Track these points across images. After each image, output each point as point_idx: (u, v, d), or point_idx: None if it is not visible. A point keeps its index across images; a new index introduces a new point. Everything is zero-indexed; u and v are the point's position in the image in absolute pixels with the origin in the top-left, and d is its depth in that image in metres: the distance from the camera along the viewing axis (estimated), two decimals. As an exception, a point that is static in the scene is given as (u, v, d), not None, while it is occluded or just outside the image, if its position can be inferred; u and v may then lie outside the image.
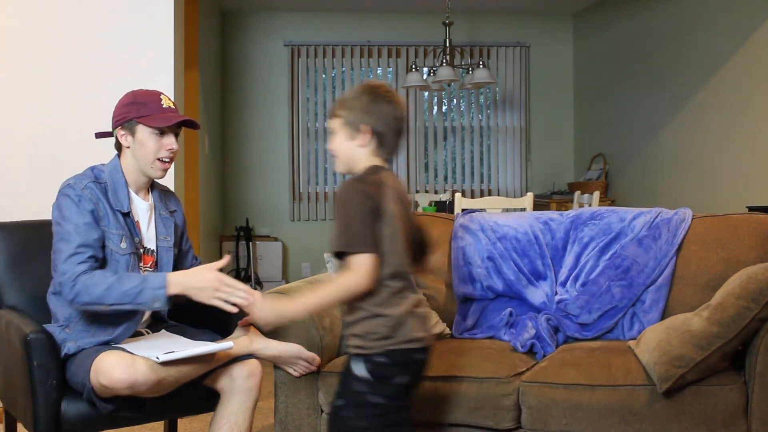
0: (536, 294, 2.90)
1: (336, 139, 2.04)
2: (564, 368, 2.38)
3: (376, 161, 2.02)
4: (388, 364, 1.92)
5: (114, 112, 2.35)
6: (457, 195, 4.51)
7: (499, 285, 2.93)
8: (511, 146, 7.60)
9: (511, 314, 2.84)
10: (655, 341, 2.31)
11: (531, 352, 2.60)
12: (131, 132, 2.31)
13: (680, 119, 5.86)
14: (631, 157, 6.60)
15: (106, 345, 2.24)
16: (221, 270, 2.21)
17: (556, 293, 2.89)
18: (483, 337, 2.83)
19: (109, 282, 2.12)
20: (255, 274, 6.94)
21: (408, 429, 1.97)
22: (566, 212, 3.06)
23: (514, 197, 6.22)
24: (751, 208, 4.38)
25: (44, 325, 2.27)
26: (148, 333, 2.42)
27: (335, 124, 2.04)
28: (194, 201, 5.45)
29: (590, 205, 4.96)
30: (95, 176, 2.30)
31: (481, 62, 5.94)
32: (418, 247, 2.13)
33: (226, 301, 2.13)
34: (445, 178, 7.63)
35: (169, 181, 3.54)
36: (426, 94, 7.45)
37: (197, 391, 2.29)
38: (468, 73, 6.20)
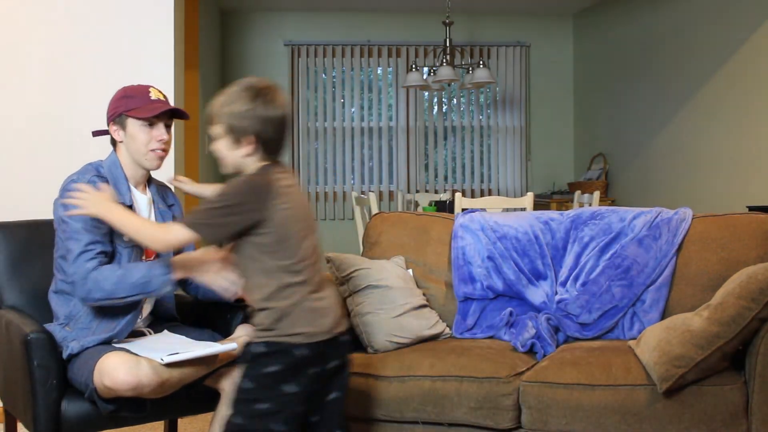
0: (536, 294, 2.90)
1: (220, 146, 2.02)
2: (564, 368, 2.38)
3: (265, 162, 2.01)
4: (262, 354, 1.95)
5: (107, 109, 2.37)
6: (457, 195, 4.51)
7: (499, 285, 2.93)
8: (511, 146, 7.60)
9: (511, 314, 2.84)
10: (655, 341, 2.31)
11: (531, 351, 2.60)
12: (122, 126, 2.32)
13: (680, 119, 5.86)
14: (631, 157, 6.60)
15: (108, 344, 2.24)
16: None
17: (557, 293, 2.89)
18: (483, 337, 2.83)
19: (117, 275, 2.15)
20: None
21: (281, 424, 1.95)
22: (566, 212, 3.06)
23: (514, 197, 6.21)
24: (751, 208, 4.38)
25: (45, 325, 2.28)
26: (150, 333, 2.42)
27: (216, 130, 2.01)
28: (194, 201, 5.45)
29: (590, 205, 4.96)
30: (96, 171, 2.31)
31: (481, 62, 5.94)
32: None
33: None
34: (445, 178, 7.64)
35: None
36: (426, 93, 7.46)
37: (198, 392, 2.29)
38: (468, 72, 6.21)
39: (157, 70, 3.70)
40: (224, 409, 2.18)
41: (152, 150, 2.33)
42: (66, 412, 2.20)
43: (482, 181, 7.59)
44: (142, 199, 2.40)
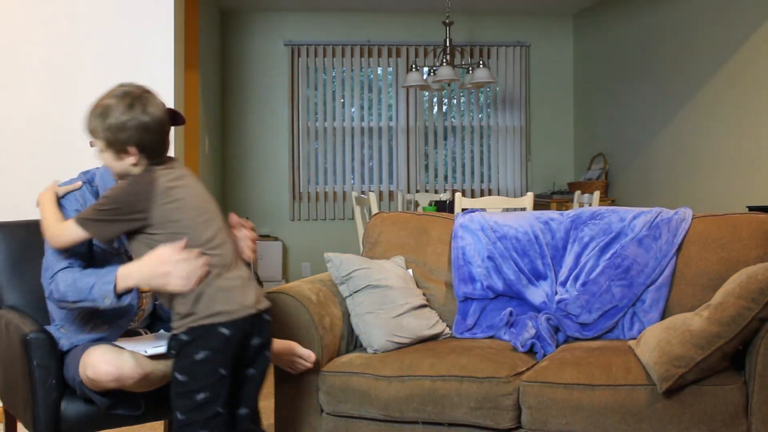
0: (536, 294, 2.90)
1: (105, 157, 2.06)
2: (564, 368, 2.38)
3: (149, 165, 2.06)
4: (187, 342, 1.96)
5: None
6: (457, 195, 4.51)
7: (499, 285, 2.93)
8: (511, 146, 7.60)
9: (511, 314, 2.84)
10: (655, 341, 2.31)
11: (531, 351, 2.60)
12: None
13: (680, 119, 5.86)
14: (631, 157, 6.60)
15: (99, 341, 2.25)
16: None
17: (557, 293, 2.89)
18: (483, 336, 2.83)
19: (73, 277, 2.09)
20: (255, 274, 6.93)
21: (218, 413, 1.96)
22: (566, 212, 3.06)
23: (514, 197, 6.22)
24: (751, 208, 4.38)
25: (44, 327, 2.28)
26: (147, 333, 2.42)
27: (98, 143, 2.05)
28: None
29: (590, 205, 4.96)
30: (87, 179, 2.30)
31: (481, 62, 5.94)
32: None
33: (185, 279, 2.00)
34: (445, 178, 7.64)
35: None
36: (426, 93, 7.46)
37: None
38: (468, 72, 6.21)
39: (157, 70, 3.70)
40: None
41: None
42: (66, 412, 2.20)
43: (482, 181, 7.59)
44: None
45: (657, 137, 6.18)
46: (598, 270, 2.84)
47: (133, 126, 1.99)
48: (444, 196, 6.42)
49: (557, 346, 2.64)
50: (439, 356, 2.51)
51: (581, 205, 5.27)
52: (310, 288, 2.72)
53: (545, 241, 2.98)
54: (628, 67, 6.67)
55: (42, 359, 2.17)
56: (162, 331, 2.43)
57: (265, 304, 2.07)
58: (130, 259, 2.29)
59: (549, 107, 7.70)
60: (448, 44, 5.90)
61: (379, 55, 7.47)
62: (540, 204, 6.72)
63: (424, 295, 2.93)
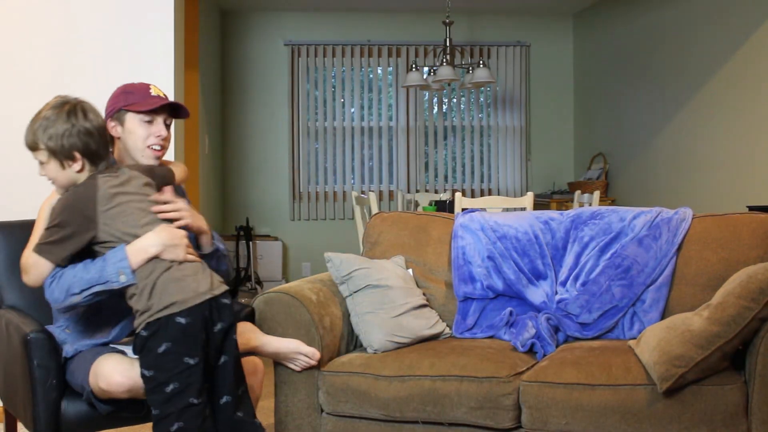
0: (536, 293, 2.90)
1: (49, 169, 2.11)
2: (564, 368, 2.38)
3: (93, 171, 2.12)
4: (147, 337, 1.98)
5: (106, 105, 2.36)
6: (457, 194, 4.51)
7: (499, 284, 2.93)
8: (511, 146, 7.60)
9: (511, 314, 2.84)
10: (655, 341, 2.31)
11: (531, 351, 2.61)
12: (120, 122, 2.31)
13: (680, 119, 5.86)
14: (631, 156, 6.60)
15: (104, 346, 2.24)
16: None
17: (557, 293, 2.89)
18: (483, 336, 2.83)
19: (76, 269, 2.08)
20: (255, 274, 6.94)
21: (192, 404, 1.98)
22: (566, 212, 3.06)
23: (514, 197, 6.22)
24: (751, 208, 4.38)
25: (45, 326, 2.28)
26: None
27: (41, 156, 2.10)
28: (194, 201, 5.45)
29: (590, 205, 4.96)
30: None
31: (481, 62, 5.94)
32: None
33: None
34: (445, 178, 7.63)
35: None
36: (426, 93, 7.46)
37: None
38: (468, 72, 6.21)
39: (157, 70, 3.70)
40: None
41: (149, 146, 2.31)
42: (66, 412, 2.21)
43: (482, 181, 7.59)
44: None
45: (657, 137, 6.18)
46: (598, 270, 2.84)
47: (77, 132, 2.06)
48: (444, 196, 6.42)
49: (557, 346, 2.64)
50: (439, 356, 2.51)
51: (581, 205, 5.27)
52: (310, 288, 2.72)
53: (545, 240, 2.98)
54: (628, 67, 6.67)
55: (42, 359, 2.16)
56: None
57: (221, 288, 2.09)
58: None
59: (549, 107, 7.70)
60: (448, 44, 5.90)
61: (379, 55, 7.47)
62: (540, 204, 6.72)
63: (424, 295, 2.93)
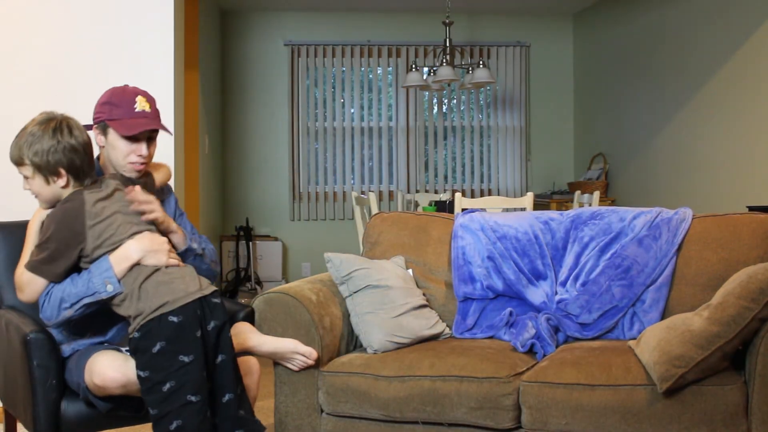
0: (536, 294, 2.90)
1: (33, 184, 2.16)
2: (564, 368, 2.37)
3: (78, 187, 2.16)
4: (140, 339, 2.01)
5: (94, 109, 2.35)
6: (457, 195, 4.51)
7: (499, 285, 2.93)
8: (511, 146, 7.60)
9: (511, 314, 2.84)
10: (655, 341, 2.31)
11: (531, 351, 2.61)
12: (103, 132, 2.31)
13: (680, 119, 5.86)
14: (631, 157, 6.60)
15: (100, 344, 2.25)
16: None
17: (556, 293, 2.89)
18: (483, 337, 2.83)
19: (64, 284, 2.12)
20: (255, 274, 6.94)
21: (190, 401, 1.99)
22: (566, 212, 3.06)
23: (514, 197, 6.22)
24: (751, 208, 4.38)
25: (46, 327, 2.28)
26: None
27: (27, 171, 2.15)
28: (194, 201, 5.45)
29: (590, 205, 4.96)
30: None
31: (481, 62, 5.93)
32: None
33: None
34: (445, 178, 7.63)
35: (170, 182, 3.53)
36: (426, 93, 7.46)
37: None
38: (468, 72, 6.21)
39: (157, 70, 3.70)
40: None
41: (131, 162, 2.31)
42: (65, 412, 2.21)
43: (482, 181, 7.59)
44: None
45: (657, 137, 6.18)
46: (598, 270, 2.84)
47: (62, 149, 2.10)
48: (444, 196, 6.42)
49: (557, 346, 2.64)
50: (439, 356, 2.51)
51: (581, 205, 5.27)
52: (310, 288, 2.72)
53: (545, 241, 2.98)
54: (628, 67, 6.67)
55: (42, 359, 2.16)
56: None
57: (210, 289, 2.13)
58: None
59: (549, 107, 7.70)
60: (448, 44, 5.90)
61: (379, 55, 7.47)
62: (540, 204, 6.72)
63: (424, 295, 2.93)
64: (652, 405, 2.24)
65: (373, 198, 4.93)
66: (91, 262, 2.10)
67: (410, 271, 3.00)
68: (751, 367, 2.24)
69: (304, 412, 2.58)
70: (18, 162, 2.16)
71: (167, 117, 3.66)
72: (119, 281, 2.07)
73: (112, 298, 2.08)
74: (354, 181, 7.41)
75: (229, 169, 7.28)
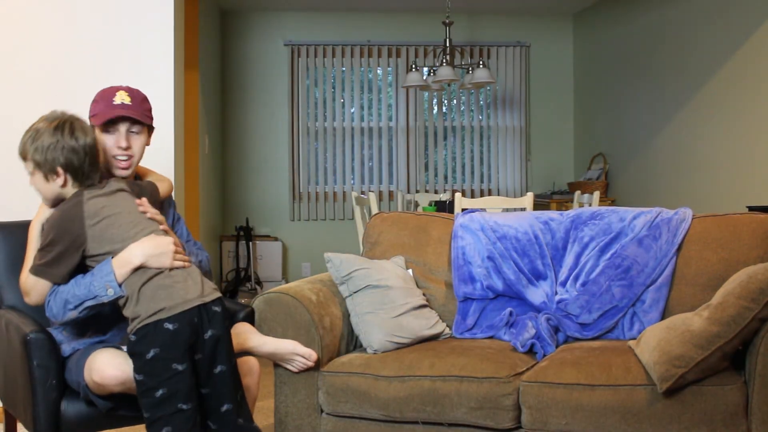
0: (536, 294, 2.90)
1: (34, 180, 2.17)
2: (564, 368, 2.37)
3: (79, 188, 2.15)
4: (137, 343, 2.00)
5: None
6: (457, 195, 4.51)
7: (499, 285, 2.93)
8: (511, 146, 7.60)
9: (511, 314, 2.84)
10: (655, 341, 2.31)
11: (531, 351, 2.60)
12: (94, 132, 2.32)
13: (680, 119, 5.86)
14: (631, 157, 6.60)
15: (100, 344, 2.25)
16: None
17: (556, 293, 2.89)
18: (483, 337, 2.83)
19: (69, 286, 2.12)
20: (255, 274, 6.94)
21: (180, 409, 1.99)
22: (566, 212, 3.06)
23: (514, 197, 6.22)
24: (751, 208, 4.38)
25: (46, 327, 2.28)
26: None
27: (29, 166, 2.16)
28: (194, 201, 5.45)
29: (590, 205, 4.96)
30: None
31: (481, 62, 5.93)
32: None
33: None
34: (445, 178, 7.63)
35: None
36: (426, 94, 7.46)
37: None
38: (468, 72, 6.20)
39: (157, 70, 3.70)
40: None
41: (114, 157, 2.31)
42: (65, 412, 2.21)
43: (482, 181, 7.59)
44: None
45: (657, 137, 6.18)
46: (598, 270, 2.84)
47: (60, 148, 2.10)
48: (444, 196, 6.42)
49: (557, 346, 2.64)
50: (439, 356, 2.51)
51: (581, 205, 5.27)
52: (310, 288, 2.72)
53: (545, 241, 2.98)
54: (628, 67, 6.67)
55: (42, 359, 2.16)
56: None
57: (212, 296, 2.09)
58: None
59: (549, 107, 7.70)
60: (448, 44, 5.90)
61: (379, 55, 7.47)
62: (540, 204, 6.72)
63: (424, 295, 2.93)
64: (652, 405, 2.24)
65: (373, 198, 4.93)
66: (98, 261, 2.09)
67: (410, 271, 3.00)
68: (751, 367, 2.24)
69: (304, 412, 2.58)
70: (22, 156, 2.18)
71: (167, 117, 3.67)
72: (120, 285, 2.06)
73: (119, 299, 2.08)
74: (354, 181, 7.41)
75: (229, 169, 7.28)
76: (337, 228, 7.33)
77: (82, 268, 2.13)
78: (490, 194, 7.49)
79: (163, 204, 2.49)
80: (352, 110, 7.44)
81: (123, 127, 2.32)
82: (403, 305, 2.75)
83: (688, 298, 2.72)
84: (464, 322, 2.91)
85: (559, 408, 2.31)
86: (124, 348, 2.19)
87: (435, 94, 7.53)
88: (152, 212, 2.23)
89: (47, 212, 2.23)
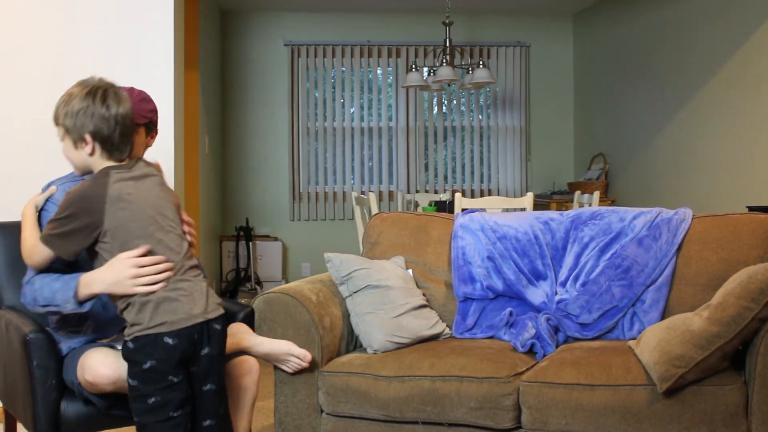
0: (536, 294, 2.90)
1: (64, 147, 2.08)
2: (564, 368, 2.37)
3: (109, 163, 2.05)
4: (134, 350, 1.96)
5: (144, 111, 2.39)
6: (457, 195, 4.51)
7: (499, 285, 2.93)
8: (511, 146, 7.60)
9: (511, 314, 2.84)
10: (655, 341, 2.31)
11: (531, 352, 2.60)
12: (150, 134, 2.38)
13: (680, 119, 5.86)
14: (631, 157, 6.60)
15: (94, 342, 2.26)
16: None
17: (556, 293, 2.89)
18: (483, 337, 2.83)
19: (42, 283, 2.09)
20: (255, 274, 6.94)
21: (171, 417, 1.97)
22: (566, 212, 3.06)
23: (514, 197, 6.22)
24: (751, 208, 4.38)
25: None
26: None
27: (60, 132, 2.07)
28: (194, 201, 5.45)
29: (590, 205, 4.96)
30: (73, 176, 2.31)
31: (481, 62, 5.93)
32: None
33: (151, 283, 1.98)
34: (445, 178, 7.63)
35: (169, 181, 3.53)
36: (426, 94, 7.45)
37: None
38: (468, 72, 6.20)
39: (157, 70, 3.70)
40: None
41: None
42: (65, 412, 2.21)
43: (482, 181, 7.59)
44: None
45: (657, 137, 6.18)
46: (598, 270, 2.84)
47: (90, 114, 2.00)
48: (444, 196, 6.42)
49: (557, 346, 2.64)
50: (439, 356, 2.51)
51: (581, 205, 5.27)
52: (310, 288, 2.72)
53: (545, 241, 2.98)
54: (628, 67, 6.67)
55: (42, 359, 2.16)
56: None
57: (215, 313, 2.03)
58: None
59: (549, 107, 7.70)
60: (448, 44, 5.90)
61: (379, 55, 7.47)
62: (540, 204, 6.72)
63: (424, 295, 2.93)
64: (652, 405, 2.24)
65: (373, 198, 4.93)
66: (107, 250, 2.00)
67: (410, 271, 3.00)
68: (751, 367, 2.24)
69: (304, 412, 2.58)
70: (55, 120, 2.08)
71: (167, 117, 3.67)
72: (79, 303, 2.04)
73: (116, 297, 2.05)
74: (354, 181, 7.41)
75: (229, 169, 7.28)
76: (337, 228, 7.33)
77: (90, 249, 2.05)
78: (490, 194, 7.49)
79: None
80: (352, 110, 7.44)
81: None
82: (403, 305, 2.75)
83: (688, 298, 2.72)
84: (464, 322, 2.91)
85: (559, 408, 2.31)
86: (118, 347, 2.19)
87: (435, 94, 7.53)
88: (189, 221, 2.17)
89: (41, 197, 2.21)
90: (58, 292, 2.05)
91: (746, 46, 5.09)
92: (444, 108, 7.68)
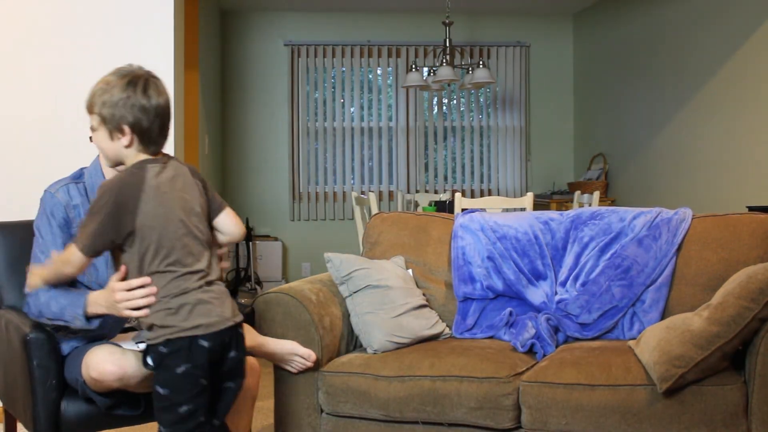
0: (536, 294, 2.90)
1: (98, 136, 1.98)
2: (564, 368, 2.37)
3: (144, 156, 1.97)
4: (166, 354, 1.89)
5: None
6: (457, 195, 4.51)
7: (499, 285, 2.93)
8: (511, 146, 7.60)
9: (511, 314, 2.84)
10: (655, 341, 2.31)
11: (531, 351, 2.60)
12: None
13: (680, 119, 5.86)
14: (631, 157, 6.60)
15: (98, 340, 2.26)
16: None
17: (556, 293, 2.89)
18: (483, 337, 2.83)
19: (49, 297, 2.10)
20: (255, 274, 6.94)
21: (201, 422, 1.92)
22: (566, 212, 3.06)
23: (514, 197, 6.22)
24: (751, 208, 4.38)
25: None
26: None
27: (94, 121, 1.97)
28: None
29: (590, 205, 4.96)
30: (74, 177, 2.30)
31: (481, 62, 5.94)
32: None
33: (134, 308, 1.94)
34: (445, 178, 7.63)
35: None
36: (426, 94, 7.46)
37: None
38: (468, 72, 6.21)
39: (157, 70, 3.64)
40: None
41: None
42: (65, 412, 2.21)
43: (482, 181, 7.59)
44: None
45: (657, 137, 6.18)
46: (597, 270, 2.84)
47: (130, 105, 1.91)
48: (444, 197, 6.42)
49: (557, 346, 2.64)
50: (439, 356, 2.51)
51: (581, 205, 5.27)
52: (310, 288, 2.72)
53: (545, 241, 2.98)
54: (628, 67, 6.67)
55: (42, 359, 2.16)
56: None
57: (240, 317, 2.02)
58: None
59: (549, 107, 7.70)
60: (447, 44, 5.90)
61: (379, 55, 7.47)
62: (540, 204, 6.72)
63: (424, 295, 2.93)
64: (652, 405, 2.24)
65: (373, 198, 4.93)
66: (129, 250, 1.92)
67: (410, 271, 3.00)
68: (751, 367, 2.24)
69: (304, 412, 2.58)
70: (89, 109, 1.98)
71: (167, 117, 3.67)
72: (88, 320, 2.03)
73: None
74: (354, 181, 7.41)
75: (229, 169, 7.28)
76: (337, 228, 7.33)
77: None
78: (490, 194, 7.49)
79: None
80: (352, 110, 7.44)
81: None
82: (403, 305, 2.75)
83: (688, 298, 2.72)
84: (464, 322, 2.91)
85: (559, 408, 2.31)
86: (122, 344, 2.19)
87: (435, 94, 7.53)
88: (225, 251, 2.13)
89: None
90: (67, 308, 2.07)
91: (746, 46, 5.09)
92: (444, 108, 7.68)
